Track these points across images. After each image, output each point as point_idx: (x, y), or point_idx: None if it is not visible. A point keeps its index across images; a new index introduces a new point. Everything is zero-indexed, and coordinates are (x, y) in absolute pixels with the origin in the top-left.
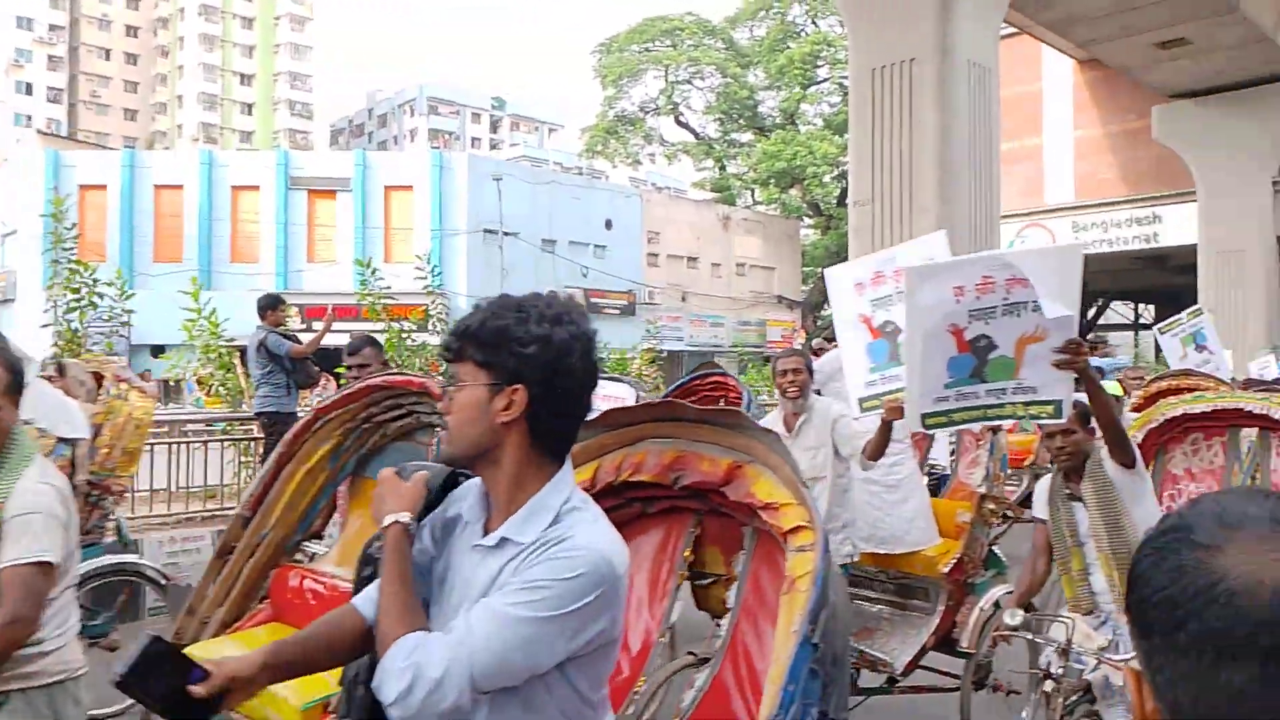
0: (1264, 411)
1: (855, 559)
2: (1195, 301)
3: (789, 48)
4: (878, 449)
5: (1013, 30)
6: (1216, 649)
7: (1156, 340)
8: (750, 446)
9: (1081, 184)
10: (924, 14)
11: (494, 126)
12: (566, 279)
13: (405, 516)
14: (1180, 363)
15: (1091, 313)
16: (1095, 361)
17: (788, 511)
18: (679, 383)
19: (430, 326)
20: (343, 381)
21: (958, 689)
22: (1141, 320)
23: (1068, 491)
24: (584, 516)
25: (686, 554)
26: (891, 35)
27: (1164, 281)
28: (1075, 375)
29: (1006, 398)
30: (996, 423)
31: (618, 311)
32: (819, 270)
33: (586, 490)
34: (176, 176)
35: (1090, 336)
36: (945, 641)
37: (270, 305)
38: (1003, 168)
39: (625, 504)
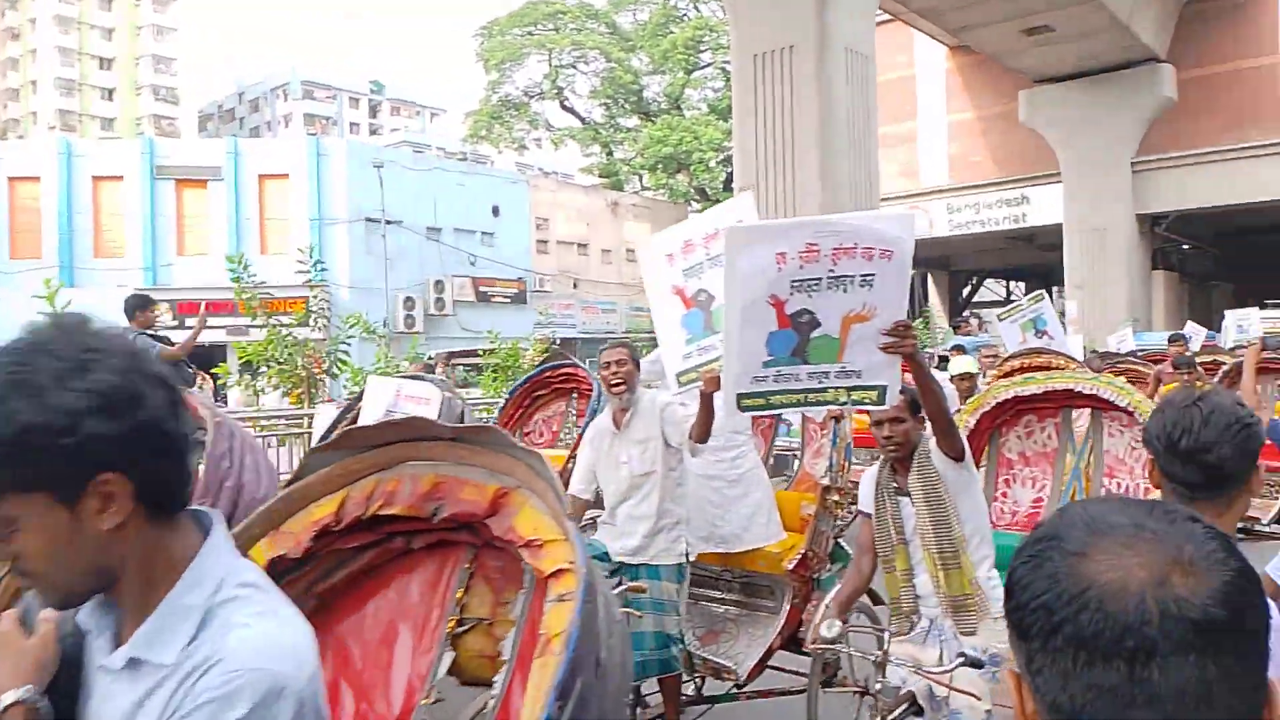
0: (1093, 391)
1: (690, 559)
2: (1062, 279)
3: (672, 32)
4: (703, 428)
5: (887, 17)
6: (1089, 651)
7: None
8: (514, 469)
9: (955, 166)
10: (803, 2)
11: (373, 112)
12: (453, 267)
13: (25, 692)
14: (1021, 347)
15: (966, 291)
16: (958, 340)
17: (552, 550)
18: (529, 375)
19: (312, 321)
20: (220, 382)
21: (805, 690)
22: (1012, 298)
23: (894, 485)
24: (243, 611)
25: (459, 594)
26: (772, 22)
27: (1033, 259)
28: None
29: (829, 381)
30: (815, 409)
31: (508, 300)
32: None
33: (331, 528)
34: (32, 167)
35: (965, 314)
36: (793, 640)
37: (139, 306)
38: (880, 151)
39: (385, 539)
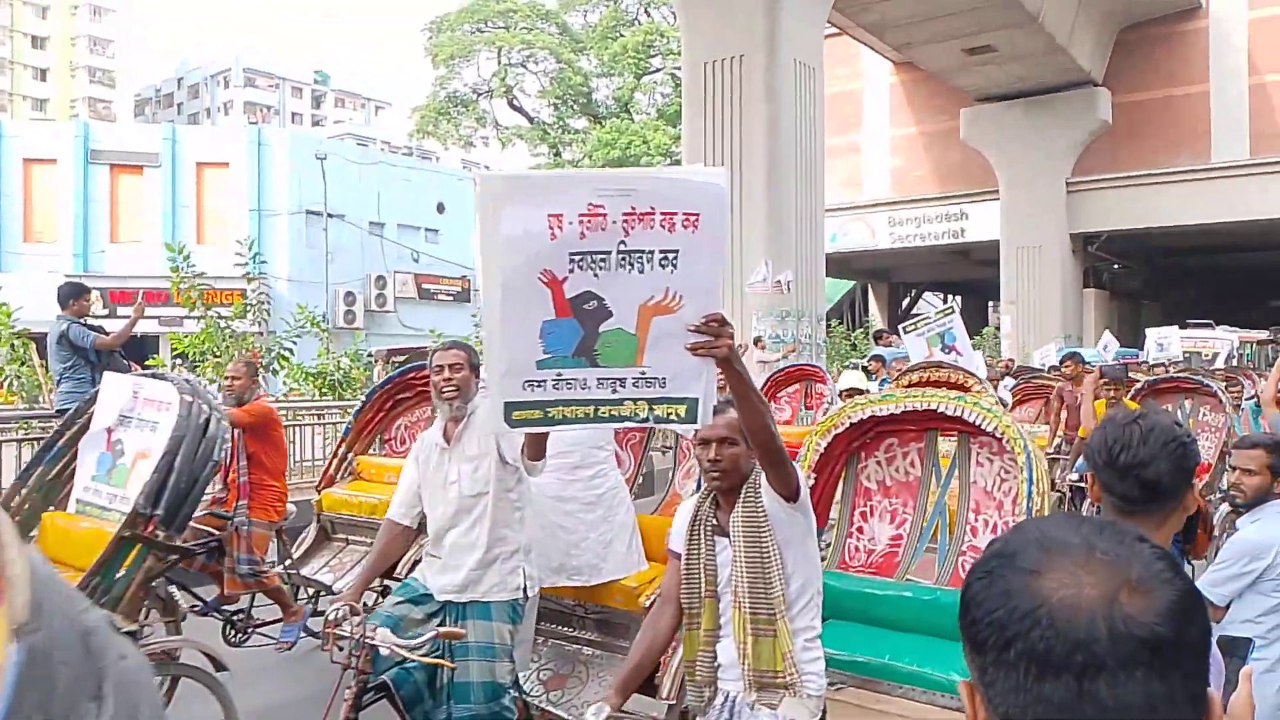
0: (958, 413)
1: (531, 594)
2: (999, 294)
3: (622, 36)
4: (536, 444)
5: (835, 30)
6: (1040, 666)
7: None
8: None
9: (897, 180)
10: (753, 11)
11: (316, 102)
12: (396, 263)
13: None
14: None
15: (905, 302)
16: (879, 350)
17: None
18: (389, 377)
19: (250, 314)
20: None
21: None
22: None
23: (715, 522)
24: None
25: None
26: (722, 31)
27: (970, 274)
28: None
29: (626, 391)
30: (606, 425)
31: (451, 298)
32: None
33: None
34: None
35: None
36: (650, 685)
37: (72, 294)
38: (825, 162)
39: None
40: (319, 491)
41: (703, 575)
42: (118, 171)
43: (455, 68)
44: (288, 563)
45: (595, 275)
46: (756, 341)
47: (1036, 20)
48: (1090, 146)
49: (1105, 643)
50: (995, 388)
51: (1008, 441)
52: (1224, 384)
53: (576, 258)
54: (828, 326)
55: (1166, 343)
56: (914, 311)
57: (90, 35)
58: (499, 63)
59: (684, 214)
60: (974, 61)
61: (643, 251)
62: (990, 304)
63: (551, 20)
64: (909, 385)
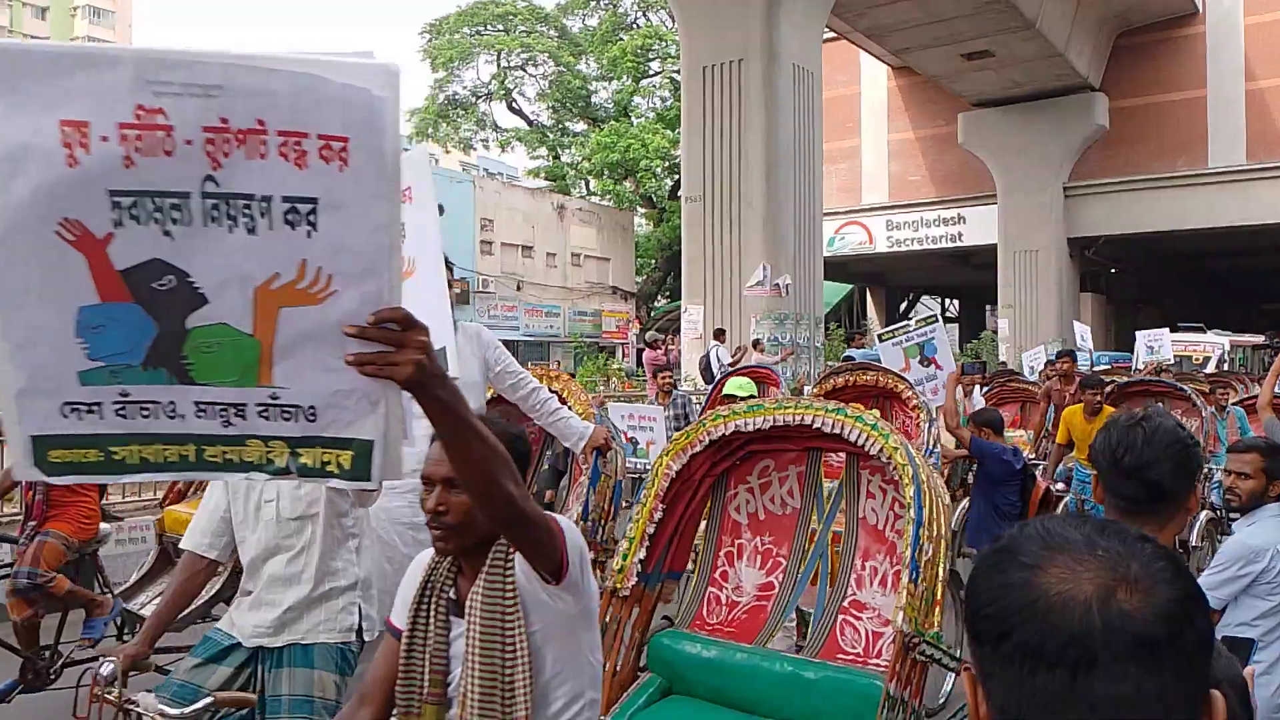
0: (837, 429)
1: (365, 640)
2: (996, 298)
3: (621, 39)
4: None
5: (833, 35)
6: (1035, 658)
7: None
8: None
9: (894, 184)
10: (752, 16)
11: None
12: None
13: None
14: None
15: (903, 306)
16: (850, 352)
17: None
18: None
19: None
20: None
21: None
22: (948, 314)
23: (451, 595)
24: None
25: None
26: (721, 35)
27: (968, 279)
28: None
29: (247, 425)
30: (230, 477)
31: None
32: (651, 261)
33: None
34: None
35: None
36: None
37: None
38: (824, 166)
39: None
40: (162, 508)
41: (427, 667)
42: None
43: (454, 71)
44: (115, 592)
45: (166, 233)
46: (756, 344)
47: (1034, 26)
48: (1087, 151)
49: (1099, 637)
50: (970, 395)
51: (894, 468)
52: (1210, 388)
53: (123, 201)
54: (826, 330)
55: (1158, 345)
56: (911, 314)
57: (90, 37)
58: (498, 66)
59: (320, 137)
60: (972, 67)
61: (249, 197)
62: (988, 308)
63: (550, 24)
64: (829, 391)
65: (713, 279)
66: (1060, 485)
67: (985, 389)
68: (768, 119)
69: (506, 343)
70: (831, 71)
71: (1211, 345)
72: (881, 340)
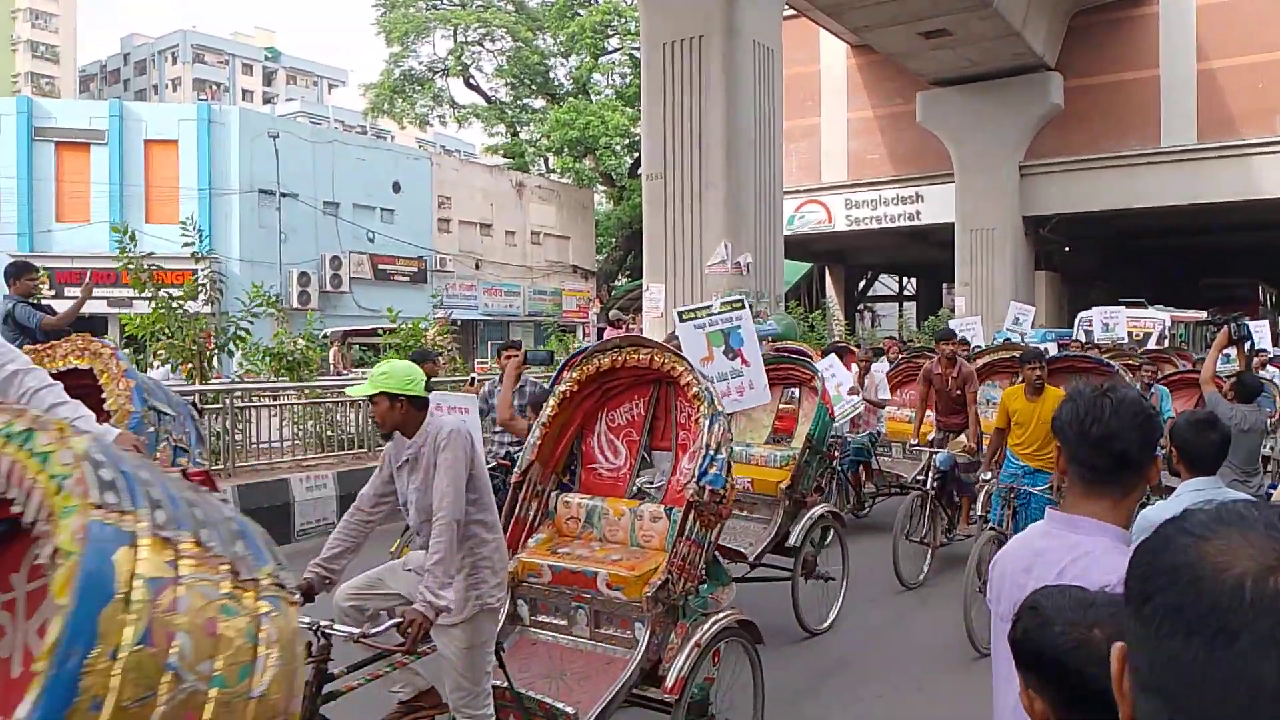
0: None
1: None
2: (953, 276)
3: (579, 15)
4: None
5: (792, 13)
6: (1173, 623)
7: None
8: None
9: (853, 163)
10: None
11: (268, 79)
12: (351, 244)
13: None
14: (705, 367)
15: (861, 285)
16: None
17: None
18: None
19: (201, 294)
20: None
21: None
22: (905, 292)
23: None
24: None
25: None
26: (681, 12)
27: (926, 257)
28: None
29: None
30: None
31: (407, 279)
32: (612, 240)
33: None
34: None
35: (860, 308)
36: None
37: (18, 273)
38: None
39: None
40: None
41: None
42: (63, 149)
43: (410, 45)
44: None
45: None
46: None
47: (991, 5)
48: (1043, 130)
49: (1245, 613)
50: (869, 370)
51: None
52: (1141, 364)
53: None
54: (786, 308)
55: (1112, 323)
56: (867, 291)
57: (32, 9)
58: (454, 40)
59: None
60: (930, 45)
61: None
62: (945, 286)
63: None
64: (591, 375)
65: (674, 257)
66: (989, 475)
67: (892, 366)
68: (728, 96)
69: (465, 322)
70: (791, 49)
71: (1153, 321)
72: (682, 320)
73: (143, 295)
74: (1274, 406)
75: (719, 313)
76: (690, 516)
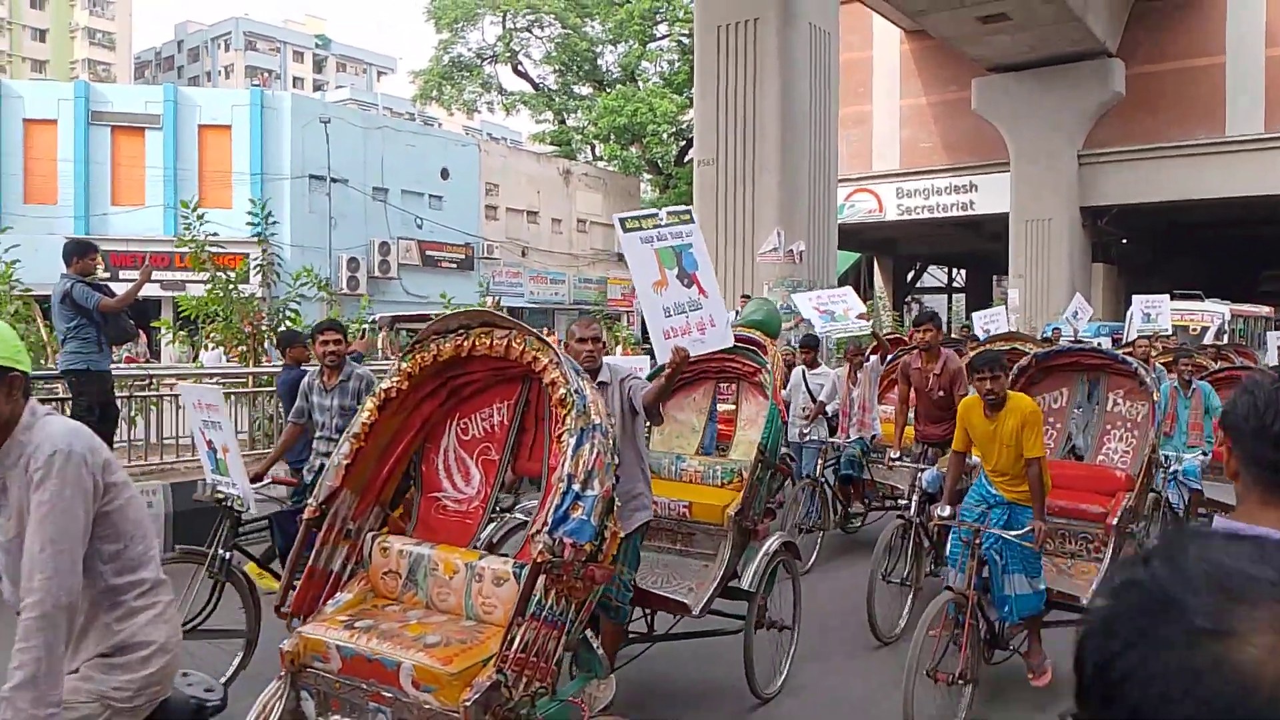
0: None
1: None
2: (1006, 267)
3: (628, 2)
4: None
5: None
6: None
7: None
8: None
9: (906, 151)
10: None
11: (318, 66)
12: (400, 230)
13: None
14: (659, 294)
15: (910, 275)
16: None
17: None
18: None
19: (259, 277)
20: (158, 336)
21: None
22: (955, 284)
23: None
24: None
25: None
26: None
27: (976, 248)
28: None
29: None
30: None
31: (455, 265)
32: None
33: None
34: None
35: (908, 299)
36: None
37: (77, 252)
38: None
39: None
40: None
41: None
42: (119, 133)
43: (459, 31)
44: None
45: None
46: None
47: None
48: (1102, 119)
49: None
50: (859, 367)
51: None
52: (1214, 363)
53: None
54: None
55: (1155, 313)
56: (917, 281)
57: (89, 28)
58: (503, 27)
59: None
60: (987, 30)
61: None
62: (995, 278)
63: None
64: (439, 365)
65: (725, 245)
66: (946, 512)
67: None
68: (783, 80)
69: (511, 309)
70: (844, 34)
71: (1210, 315)
72: (626, 230)
73: (198, 279)
74: None
75: (666, 224)
76: (538, 584)
